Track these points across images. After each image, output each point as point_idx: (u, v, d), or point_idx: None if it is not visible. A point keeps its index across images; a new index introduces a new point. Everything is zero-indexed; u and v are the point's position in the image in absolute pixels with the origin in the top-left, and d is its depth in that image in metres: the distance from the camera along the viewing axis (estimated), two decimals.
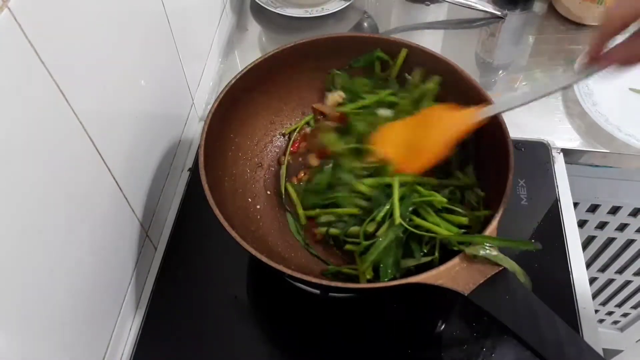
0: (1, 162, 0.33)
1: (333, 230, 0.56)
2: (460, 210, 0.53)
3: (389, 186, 0.53)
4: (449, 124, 0.52)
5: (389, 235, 0.50)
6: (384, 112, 0.61)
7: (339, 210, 0.56)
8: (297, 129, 0.67)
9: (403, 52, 0.62)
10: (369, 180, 0.56)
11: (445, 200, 0.52)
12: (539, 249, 0.46)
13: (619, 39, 0.41)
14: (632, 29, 0.39)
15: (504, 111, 0.51)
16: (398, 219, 0.50)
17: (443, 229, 0.50)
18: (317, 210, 0.59)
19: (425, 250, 0.52)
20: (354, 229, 0.54)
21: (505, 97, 0.48)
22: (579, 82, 0.44)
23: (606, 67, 0.42)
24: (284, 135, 0.68)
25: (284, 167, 0.64)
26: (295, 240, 0.59)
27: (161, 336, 0.55)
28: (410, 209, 0.52)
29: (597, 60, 0.42)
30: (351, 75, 0.65)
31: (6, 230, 0.34)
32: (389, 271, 0.49)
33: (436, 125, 0.54)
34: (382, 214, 0.52)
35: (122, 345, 0.54)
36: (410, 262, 0.50)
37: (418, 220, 0.51)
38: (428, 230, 0.50)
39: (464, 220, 0.52)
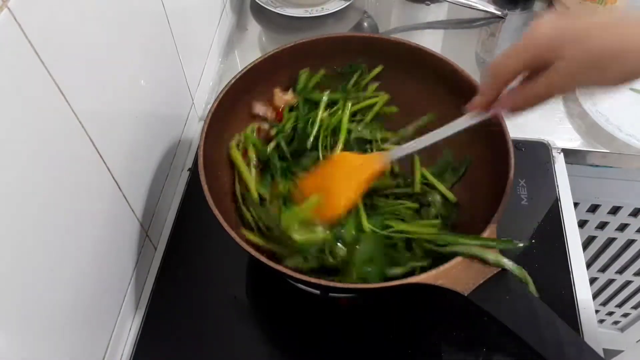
0: (1, 163, 0.33)
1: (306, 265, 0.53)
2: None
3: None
4: (358, 168, 0.54)
5: (366, 244, 0.51)
6: None
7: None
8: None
9: (378, 69, 0.64)
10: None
11: (416, 205, 0.54)
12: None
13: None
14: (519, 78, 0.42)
15: (403, 155, 0.52)
16: (367, 226, 0.51)
17: (422, 229, 0.51)
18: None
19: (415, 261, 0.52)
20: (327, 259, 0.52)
21: (403, 146, 0.53)
22: (470, 126, 0.47)
23: (496, 114, 0.44)
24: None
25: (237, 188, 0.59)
26: None
27: (161, 336, 0.55)
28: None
29: (488, 109, 0.44)
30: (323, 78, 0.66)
31: (6, 230, 0.34)
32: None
33: (347, 171, 0.55)
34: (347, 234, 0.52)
35: (122, 345, 0.54)
36: (398, 270, 0.50)
37: (395, 225, 0.53)
38: (405, 233, 0.52)
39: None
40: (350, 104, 0.64)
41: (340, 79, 0.66)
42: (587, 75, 0.37)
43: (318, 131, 0.62)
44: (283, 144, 0.61)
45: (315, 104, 0.64)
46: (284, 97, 0.64)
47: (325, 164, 0.58)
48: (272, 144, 0.62)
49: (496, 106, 0.43)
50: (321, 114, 0.63)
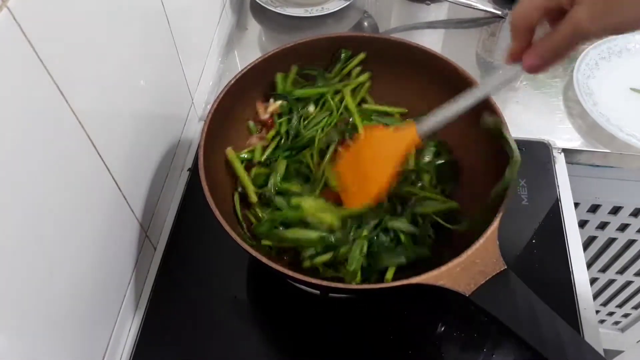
0: (0, 162, 0.33)
1: (320, 259, 0.52)
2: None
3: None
4: (388, 145, 0.50)
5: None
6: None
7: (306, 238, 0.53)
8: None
9: (361, 55, 0.64)
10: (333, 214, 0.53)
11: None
12: None
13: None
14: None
15: (439, 127, 0.48)
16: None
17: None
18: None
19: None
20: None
21: (435, 112, 0.48)
22: (506, 84, 0.44)
23: (529, 66, 0.41)
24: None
25: (236, 196, 0.58)
26: None
27: (161, 336, 0.54)
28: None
29: (518, 59, 0.42)
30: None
31: (5, 231, 0.34)
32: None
33: (379, 149, 0.51)
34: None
35: (121, 345, 0.54)
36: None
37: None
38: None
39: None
40: (349, 87, 0.63)
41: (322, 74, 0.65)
42: (606, 17, 0.36)
43: (314, 127, 0.62)
44: (282, 141, 0.61)
45: (303, 101, 0.63)
46: (268, 109, 0.63)
47: (355, 142, 0.54)
48: (272, 145, 0.61)
49: (525, 57, 0.41)
50: (312, 109, 0.63)
